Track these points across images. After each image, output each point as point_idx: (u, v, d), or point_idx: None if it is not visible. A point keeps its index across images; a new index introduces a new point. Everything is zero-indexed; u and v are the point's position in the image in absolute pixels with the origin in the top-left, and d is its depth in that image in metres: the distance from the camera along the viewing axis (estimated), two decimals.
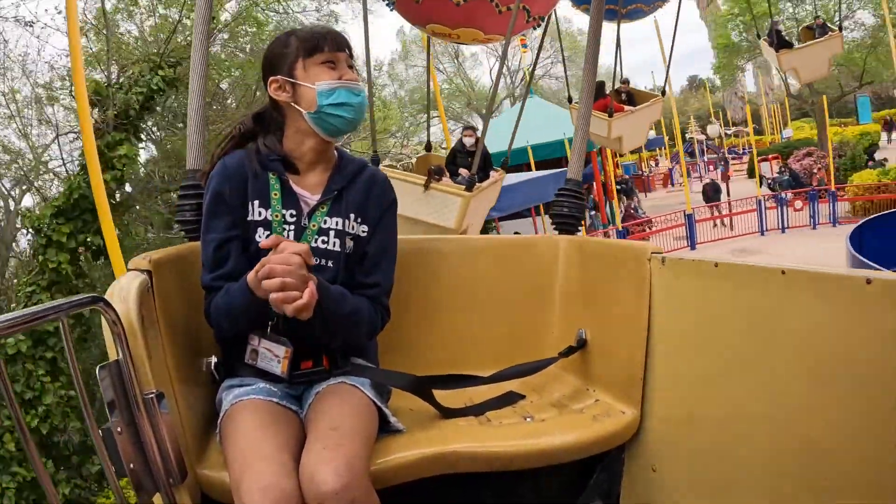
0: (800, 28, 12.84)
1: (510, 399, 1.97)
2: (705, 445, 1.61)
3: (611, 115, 9.62)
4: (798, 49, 11.34)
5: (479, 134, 8.36)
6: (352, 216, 1.78)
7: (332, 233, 1.75)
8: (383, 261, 1.82)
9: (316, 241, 1.73)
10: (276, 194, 1.73)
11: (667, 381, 1.77)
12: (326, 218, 1.75)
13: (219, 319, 1.66)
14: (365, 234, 1.80)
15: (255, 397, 1.59)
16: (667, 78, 12.10)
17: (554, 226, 2.51)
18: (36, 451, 1.12)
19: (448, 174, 7.48)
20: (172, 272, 1.71)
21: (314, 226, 1.73)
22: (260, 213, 1.72)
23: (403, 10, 6.73)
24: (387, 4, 6.85)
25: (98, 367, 1.32)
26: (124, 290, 1.45)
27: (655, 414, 1.80)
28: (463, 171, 7.51)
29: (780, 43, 11.30)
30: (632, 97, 11.06)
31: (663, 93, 11.05)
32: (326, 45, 1.71)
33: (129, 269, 1.57)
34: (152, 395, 1.37)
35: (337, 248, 1.74)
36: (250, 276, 1.54)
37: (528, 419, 1.85)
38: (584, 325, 2.10)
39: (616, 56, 10.52)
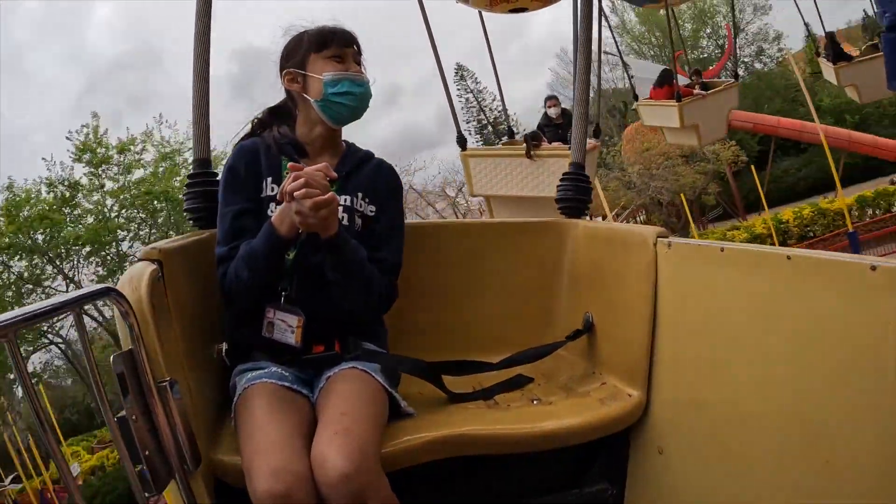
0: (863, 46, 10.97)
1: (518, 382, 1.99)
2: (711, 428, 1.62)
3: (679, 101, 8.48)
4: (858, 62, 9.89)
5: (563, 105, 7.93)
6: (360, 194, 1.88)
7: (341, 209, 1.82)
8: (391, 238, 1.90)
9: None
10: (287, 173, 1.78)
11: (673, 364, 1.78)
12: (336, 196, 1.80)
13: (238, 272, 1.70)
14: (373, 213, 1.89)
15: (266, 380, 1.62)
16: (735, 58, 10.82)
17: (560, 210, 2.51)
18: (55, 442, 1.15)
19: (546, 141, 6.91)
20: (183, 261, 1.73)
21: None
22: (273, 189, 1.82)
23: None
24: None
25: (112, 357, 1.34)
26: (135, 280, 1.46)
27: (662, 397, 1.82)
28: (555, 145, 7.00)
29: (837, 55, 9.93)
30: (705, 88, 9.81)
31: (736, 76, 9.94)
32: (334, 41, 1.84)
33: (139, 259, 1.59)
34: (165, 383, 1.39)
35: (346, 223, 1.82)
36: (275, 216, 1.67)
37: (536, 402, 1.87)
38: (591, 309, 2.11)
39: (671, 39, 9.61)
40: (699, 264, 1.69)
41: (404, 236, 1.96)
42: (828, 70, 10.12)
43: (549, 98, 8.32)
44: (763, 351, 1.45)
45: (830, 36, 10.17)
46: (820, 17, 9.89)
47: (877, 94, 10.25)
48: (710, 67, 20.56)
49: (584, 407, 1.81)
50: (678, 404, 1.76)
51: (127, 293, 1.39)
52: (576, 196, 2.48)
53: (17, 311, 1.11)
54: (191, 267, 1.80)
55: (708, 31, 29.74)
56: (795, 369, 1.36)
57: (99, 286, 1.32)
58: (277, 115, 1.98)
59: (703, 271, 1.68)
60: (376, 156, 2.02)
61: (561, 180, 2.54)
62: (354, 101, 1.84)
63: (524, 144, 5.81)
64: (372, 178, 1.93)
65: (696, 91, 9.39)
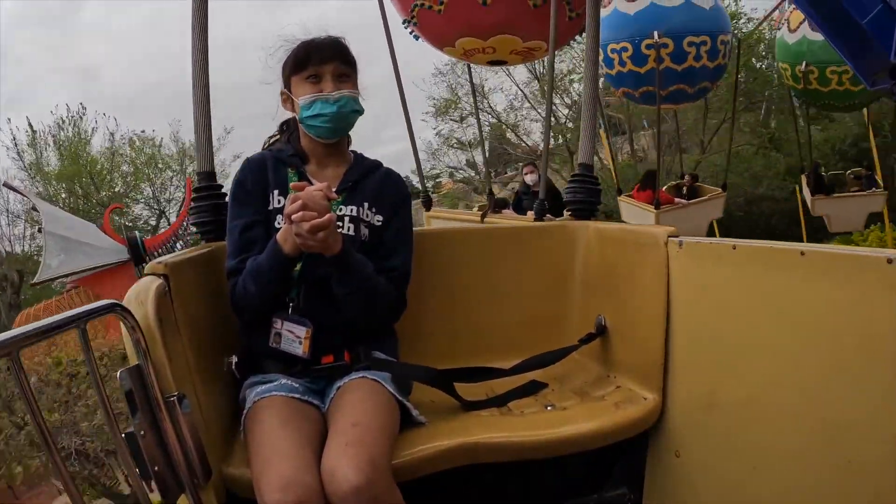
0: (847, 173, 12.22)
1: (532, 388, 1.97)
2: (729, 429, 1.59)
3: (657, 207, 8.66)
4: (834, 198, 10.77)
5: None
6: (366, 204, 1.87)
7: (346, 219, 1.83)
8: (399, 248, 1.88)
9: None
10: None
11: (688, 366, 1.75)
12: (342, 206, 1.84)
13: (246, 286, 1.71)
14: (380, 223, 1.87)
15: (276, 394, 1.61)
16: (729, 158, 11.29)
17: (570, 212, 2.49)
18: (61, 460, 1.14)
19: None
20: (190, 275, 1.72)
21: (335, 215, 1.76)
22: (279, 201, 1.82)
23: (428, 31, 6.13)
24: (411, 35, 6.27)
25: (119, 372, 1.34)
26: (142, 295, 1.46)
27: (678, 399, 1.79)
28: (531, 215, 6.82)
29: (816, 187, 10.75)
30: (696, 194, 10.16)
31: (724, 187, 10.14)
32: (311, 60, 1.82)
33: (145, 274, 1.58)
34: (174, 397, 1.38)
35: (351, 233, 1.82)
36: (279, 234, 1.67)
37: (550, 408, 1.84)
38: (604, 311, 2.08)
39: (658, 144, 9.70)
40: (711, 263, 1.66)
41: (413, 244, 1.94)
42: (807, 197, 10.96)
43: (527, 164, 8.10)
44: (780, 349, 1.42)
45: (815, 167, 11.09)
46: None
47: (844, 226, 11.36)
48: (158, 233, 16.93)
49: (599, 411, 1.78)
50: (694, 406, 1.73)
51: (133, 308, 1.39)
52: (586, 198, 2.45)
53: (22, 329, 1.10)
54: (198, 280, 1.79)
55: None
56: (813, 367, 1.33)
57: (104, 302, 1.31)
58: (288, 128, 2.00)
59: (715, 270, 1.65)
60: (384, 166, 2.01)
61: (570, 182, 2.52)
62: (327, 122, 1.82)
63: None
64: (379, 187, 1.91)
65: (677, 201, 9.55)
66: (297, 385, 1.68)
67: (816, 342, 1.32)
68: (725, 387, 1.61)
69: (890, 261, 1.15)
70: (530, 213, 6.21)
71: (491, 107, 22.75)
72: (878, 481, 1.19)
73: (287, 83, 1.88)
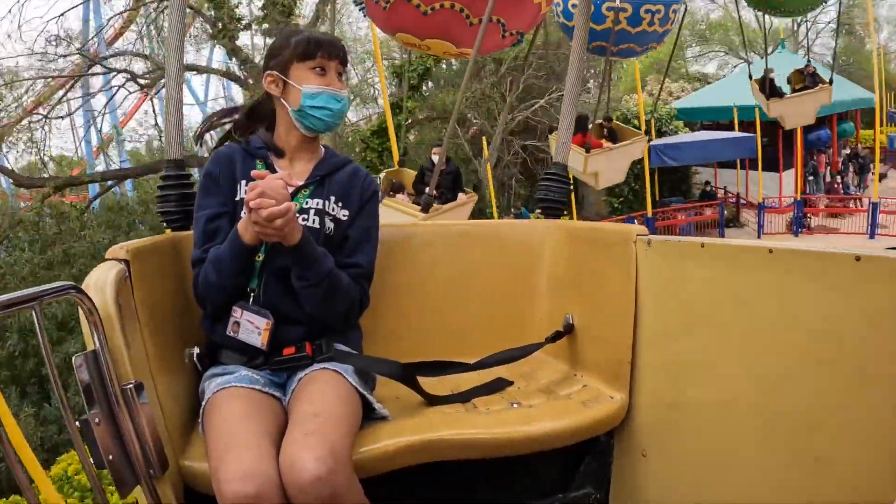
0: (792, 71, 13.05)
1: (497, 385, 1.95)
2: (696, 428, 1.60)
3: (588, 151, 9.64)
4: (787, 99, 11.74)
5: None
6: (332, 198, 1.86)
7: (311, 211, 1.81)
8: (364, 244, 1.88)
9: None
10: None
11: (655, 365, 1.76)
12: (308, 199, 1.83)
13: (207, 275, 1.69)
14: (346, 217, 1.86)
15: (237, 385, 1.58)
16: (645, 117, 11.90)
17: (539, 210, 2.49)
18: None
19: (415, 193, 7.27)
20: (152, 262, 1.69)
21: (295, 205, 1.74)
22: (247, 192, 1.74)
23: (373, 16, 6.69)
24: (360, 9, 6.81)
25: (74, 357, 1.29)
26: (101, 280, 1.42)
27: (644, 398, 1.79)
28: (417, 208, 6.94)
29: (771, 91, 11.63)
30: (614, 133, 11.16)
31: (647, 132, 11.02)
32: (319, 52, 1.82)
33: (106, 259, 1.54)
34: (131, 386, 1.34)
35: (316, 226, 1.80)
36: (240, 223, 1.66)
37: (516, 405, 1.83)
38: (571, 310, 2.08)
39: (601, 91, 10.54)
40: (680, 261, 1.67)
41: (378, 242, 1.93)
42: (759, 97, 11.87)
43: (436, 144, 8.49)
44: (748, 347, 1.43)
45: (766, 74, 11.84)
46: None
47: (798, 122, 12.69)
48: None
49: (565, 410, 1.78)
50: (662, 405, 1.73)
51: (91, 293, 1.35)
52: (557, 197, 2.46)
53: None
54: (161, 268, 1.76)
55: None
56: (782, 365, 1.33)
57: (61, 283, 1.27)
58: (255, 116, 1.96)
59: (683, 269, 1.65)
60: (354, 162, 2.00)
61: (542, 180, 2.52)
62: (329, 117, 1.83)
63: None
64: (346, 183, 1.90)
65: (605, 144, 10.47)
66: (259, 377, 1.65)
67: (784, 340, 1.32)
68: (693, 385, 1.61)
69: (858, 258, 1.16)
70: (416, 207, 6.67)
71: None
72: (846, 478, 1.20)
73: (284, 67, 1.83)
